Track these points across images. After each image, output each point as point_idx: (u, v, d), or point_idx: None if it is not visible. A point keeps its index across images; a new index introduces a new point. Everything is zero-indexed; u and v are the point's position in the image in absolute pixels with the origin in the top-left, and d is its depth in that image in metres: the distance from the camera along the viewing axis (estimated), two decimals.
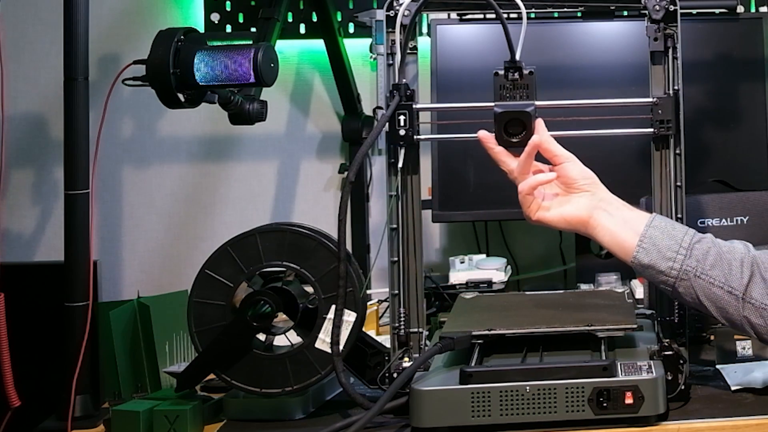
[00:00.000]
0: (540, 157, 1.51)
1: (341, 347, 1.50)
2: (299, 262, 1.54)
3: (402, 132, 1.54)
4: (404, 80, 1.54)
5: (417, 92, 1.57)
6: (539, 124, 1.50)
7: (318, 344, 1.53)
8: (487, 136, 1.50)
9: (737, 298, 1.45)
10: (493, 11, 1.52)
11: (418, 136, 1.56)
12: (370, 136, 1.51)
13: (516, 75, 1.51)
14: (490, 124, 1.51)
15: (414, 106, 1.55)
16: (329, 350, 1.50)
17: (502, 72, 1.52)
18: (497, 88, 1.52)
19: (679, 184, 1.55)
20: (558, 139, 1.51)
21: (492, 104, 1.51)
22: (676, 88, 1.55)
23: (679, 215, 1.55)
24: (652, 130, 1.55)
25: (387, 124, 1.54)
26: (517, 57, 1.51)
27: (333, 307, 1.52)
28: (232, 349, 1.54)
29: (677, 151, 1.55)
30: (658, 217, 1.49)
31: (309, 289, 1.57)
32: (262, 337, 1.58)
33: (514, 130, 1.50)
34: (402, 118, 1.54)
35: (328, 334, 1.51)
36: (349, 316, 1.53)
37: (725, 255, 1.46)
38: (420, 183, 1.58)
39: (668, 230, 1.47)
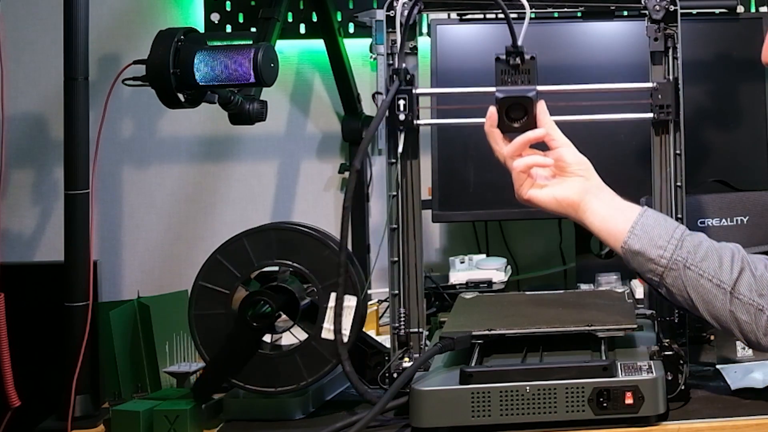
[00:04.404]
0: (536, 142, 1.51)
1: (346, 334, 1.50)
2: (291, 257, 1.55)
3: (402, 117, 1.54)
4: (404, 65, 1.54)
5: (417, 82, 1.56)
6: (541, 106, 1.50)
7: (324, 334, 1.53)
8: (493, 117, 1.49)
9: (725, 292, 1.44)
10: (493, 8, 1.52)
11: (418, 121, 1.55)
12: (373, 122, 1.50)
13: (517, 60, 1.51)
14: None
15: (414, 90, 1.54)
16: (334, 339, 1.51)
17: (503, 57, 1.51)
18: (499, 73, 1.51)
19: (679, 184, 1.55)
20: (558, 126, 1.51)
21: (493, 89, 1.51)
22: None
23: (679, 215, 1.55)
24: (651, 115, 1.55)
25: (387, 110, 1.53)
26: (519, 42, 1.50)
27: (332, 294, 1.52)
28: (240, 354, 1.54)
29: (677, 151, 1.55)
30: (650, 209, 1.50)
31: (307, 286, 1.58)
32: (267, 338, 1.57)
33: (516, 115, 1.49)
34: (402, 102, 1.54)
35: (332, 322, 1.51)
36: (350, 301, 1.53)
37: (716, 249, 1.46)
38: (420, 183, 1.58)
39: (660, 221, 1.47)
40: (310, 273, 1.54)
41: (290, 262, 1.55)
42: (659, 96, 1.54)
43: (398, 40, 1.54)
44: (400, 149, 1.54)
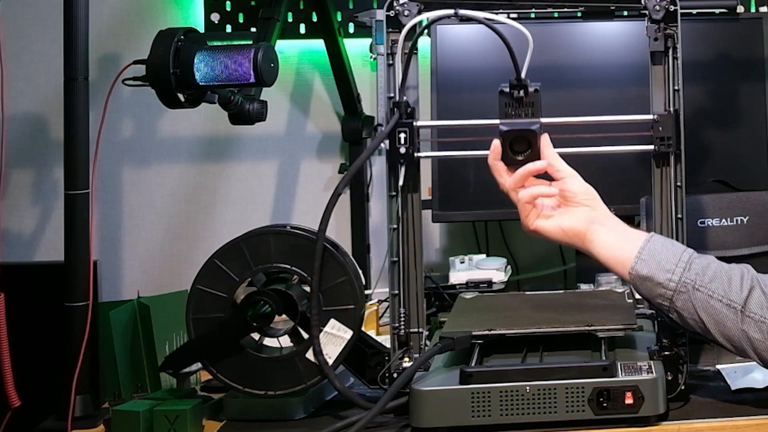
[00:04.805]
0: (541, 173, 1.50)
1: (330, 358, 1.51)
2: (308, 269, 1.54)
3: (402, 150, 1.54)
4: (405, 97, 1.54)
5: (417, 93, 1.57)
6: (545, 139, 1.50)
7: (309, 355, 1.52)
8: (497, 150, 1.49)
9: (736, 312, 1.43)
10: (494, 9, 1.52)
11: (419, 154, 1.55)
12: (363, 154, 1.50)
13: (521, 93, 1.50)
14: (491, 140, 1.50)
15: (414, 123, 1.54)
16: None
17: (507, 89, 1.51)
18: (502, 105, 1.51)
19: (679, 183, 1.55)
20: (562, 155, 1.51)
21: (497, 122, 1.51)
22: (676, 88, 1.55)
23: (679, 215, 1.55)
24: (652, 147, 1.54)
25: (386, 141, 1.54)
26: (523, 75, 1.49)
27: (331, 320, 1.53)
28: (224, 342, 1.54)
29: (677, 151, 1.55)
30: (657, 235, 1.49)
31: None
32: (255, 336, 1.58)
33: (520, 148, 1.49)
34: (402, 136, 1.54)
35: (322, 346, 1.52)
36: (345, 333, 1.53)
37: (725, 270, 1.45)
38: (420, 183, 1.58)
39: (668, 245, 1.46)
40: (319, 291, 1.54)
41: (305, 274, 1.54)
42: (660, 128, 1.54)
43: (399, 70, 1.53)
44: (400, 183, 1.54)
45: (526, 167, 1.48)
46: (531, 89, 1.50)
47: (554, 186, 1.48)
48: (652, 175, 1.56)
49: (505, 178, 1.49)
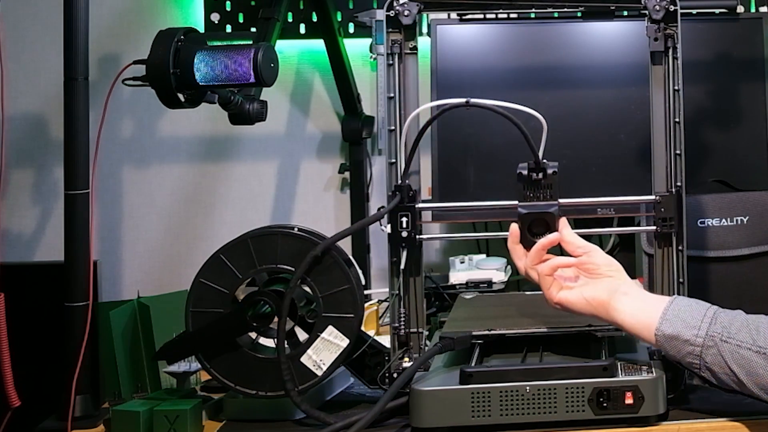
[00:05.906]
0: (561, 253, 1.51)
1: (325, 369, 1.51)
2: (312, 274, 1.53)
3: (404, 234, 1.54)
4: (407, 182, 1.54)
5: (417, 93, 1.56)
6: (563, 221, 1.51)
7: (304, 359, 1.53)
8: (516, 233, 1.50)
9: (766, 357, 1.39)
10: (493, 8, 1.52)
11: (421, 236, 1.56)
12: (355, 225, 1.48)
13: (539, 175, 1.51)
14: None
15: (416, 206, 1.55)
16: (312, 368, 1.51)
17: (525, 172, 1.51)
18: (521, 188, 1.51)
19: (679, 184, 1.55)
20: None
21: (507, 203, 1.51)
22: (676, 88, 1.55)
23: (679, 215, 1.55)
24: (654, 228, 1.55)
25: (388, 223, 1.54)
26: (540, 157, 1.50)
27: (329, 327, 1.52)
28: (220, 338, 1.54)
29: (677, 151, 1.55)
30: (681, 297, 1.48)
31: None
32: (252, 335, 1.58)
33: (538, 230, 1.50)
34: (404, 220, 1.54)
35: (318, 351, 1.52)
36: (342, 341, 1.53)
37: (752, 319, 1.43)
38: (420, 183, 1.58)
39: (692, 304, 1.45)
40: (320, 296, 1.53)
41: (309, 279, 1.54)
42: (662, 209, 1.55)
43: (401, 156, 1.54)
44: (402, 266, 1.55)
45: (540, 242, 1.49)
46: (549, 171, 1.51)
47: (577, 261, 1.49)
48: (654, 252, 1.57)
49: (524, 261, 1.50)
